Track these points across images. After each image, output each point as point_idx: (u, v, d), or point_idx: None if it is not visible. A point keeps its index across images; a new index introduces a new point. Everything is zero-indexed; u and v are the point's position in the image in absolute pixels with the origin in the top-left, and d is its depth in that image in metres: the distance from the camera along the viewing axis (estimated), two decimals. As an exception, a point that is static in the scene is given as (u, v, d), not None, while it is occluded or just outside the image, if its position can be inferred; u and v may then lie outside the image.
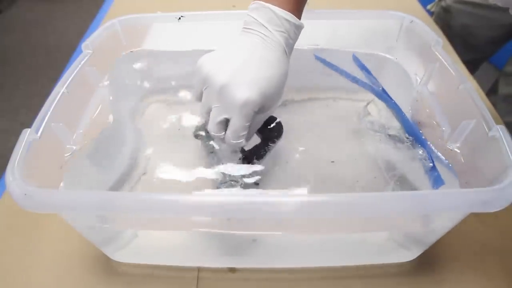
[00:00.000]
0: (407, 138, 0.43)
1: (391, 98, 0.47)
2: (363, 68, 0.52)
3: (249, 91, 0.35)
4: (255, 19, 0.37)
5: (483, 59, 0.87)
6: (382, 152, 0.44)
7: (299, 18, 0.39)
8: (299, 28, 0.39)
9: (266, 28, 0.37)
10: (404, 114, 0.45)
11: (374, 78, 0.51)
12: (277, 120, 0.44)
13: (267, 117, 0.41)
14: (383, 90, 0.49)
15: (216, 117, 0.37)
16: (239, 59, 0.36)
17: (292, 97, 0.52)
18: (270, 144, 0.42)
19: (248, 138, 0.39)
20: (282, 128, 0.44)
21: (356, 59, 0.52)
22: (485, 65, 0.90)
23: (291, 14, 0.37)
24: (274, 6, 0.37)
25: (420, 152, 0.41)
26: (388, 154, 0.44)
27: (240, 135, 0.37)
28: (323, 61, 0.53)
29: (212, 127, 0.38)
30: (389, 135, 0.44)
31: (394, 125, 0.46)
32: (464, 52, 0.76)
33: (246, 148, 0.42)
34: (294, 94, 0.52)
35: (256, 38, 0.37)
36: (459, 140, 0.38)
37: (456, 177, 0.37)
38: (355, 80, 0.51)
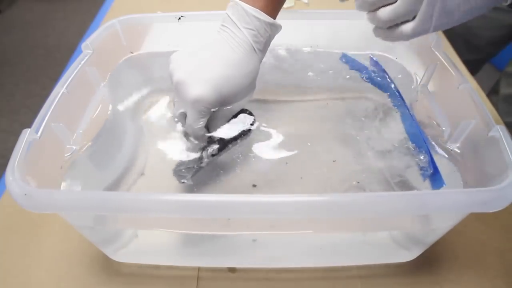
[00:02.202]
0: (412, 147, 0.43)
1: (404, 102, 0.47)
2: (381, 69, 0.51)
3: (201, 89, 0.37)
4: (229, 16, 0.39)
5: (484, 59, 0.87)
6: (382, 154, 0.44)
7: (274, 17, 0.40)
8: (271, 26, 0.39)
9: (236, 25, 0.38)
10: (414, 121, 0.44)
11: (391, 80, 0.50)
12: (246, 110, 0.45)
13: (236, 111, 0.43)
14: (399, 93, 0.48)
15: (177, 110, 0.41)
16: (199, 58, 0.39)
17: (292, 96, 0.52)
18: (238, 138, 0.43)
19: (213, 130, 0.42)
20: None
21: (373, 61, 0.52)
22: (486, 65, 0.90)
23: (262, 12, 0.38)
24: (245, 4, 0.38)
25: (421, 157, 0.41)
26: (389, 156, 0.44)
27: (195, 128, 0.40)
28: (350, 61, 0.52)
29: (176, 118, 0.42)
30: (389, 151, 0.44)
31: (394, 138, 0.45)
32: (466, 53, 0.76)
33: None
34: (294, 93, 0.52)
35: (224, 36, 0.39)
36: (459, 140, 0.38)
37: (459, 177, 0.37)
38: (376, 83, 0.51)
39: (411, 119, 0.44)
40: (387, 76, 0.50)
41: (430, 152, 0.40)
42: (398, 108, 0.47)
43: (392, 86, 0.49)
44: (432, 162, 0.39)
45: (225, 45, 0.39)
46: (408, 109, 0.45)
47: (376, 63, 0.52)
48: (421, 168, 0.40)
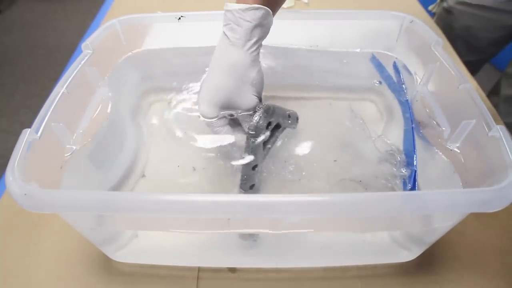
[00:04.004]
0: (402, 159, 0.43)
1: (411, 112, 0.46)
2: (399, 76, 0.51)
3: (200, 107, 0.41)
4: None
5: (485, 60, 0.87)
6: (384, 156, 0.44)
7: (268, 6, 0.37)
8: (246, 11, 0.36)
9: (222, 28, 0.39)
10: (413, 134, 0.44)
11: (403, 88, 0.50)
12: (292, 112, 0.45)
13: (260, 110, 0.41)
14: (408, 103, 0.48)
15: None
16: (203, 81, 0.42)
17: (294, 95, 0.52)
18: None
19: (240, 130, 0.43)
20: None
21: (396, 67, 0.52)
22: (486, 66, 0.90)
23: (233, 3, 0.37)
24: (227, 4, 0.38)
25: (404, 170, 0.41)
26: (390, 159, 0.44)
27: (220, 136, 0.42)
28: (378, 65, 0.52)
29: None
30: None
31: (396, 141, 0.45)
32: (466, 53, 0.76)
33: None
34: (296, 93, 0.52)
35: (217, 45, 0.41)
36: (459, 140, 0.38)
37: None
38: (394, 90, 0.51)
39: (411, 132, 0.44)
40: (403, 83, 0.50)
41: (416, 170, 0.41)
42: (404, 115, 0.47)
43: (406, 95, 0.49)
44: (414, 179, 0.40)
45: (214, 53, 0.40)
46: (412, 121, 0.45)
47: (396, 69, 0.52)
48: (403, 181, 0.41)
